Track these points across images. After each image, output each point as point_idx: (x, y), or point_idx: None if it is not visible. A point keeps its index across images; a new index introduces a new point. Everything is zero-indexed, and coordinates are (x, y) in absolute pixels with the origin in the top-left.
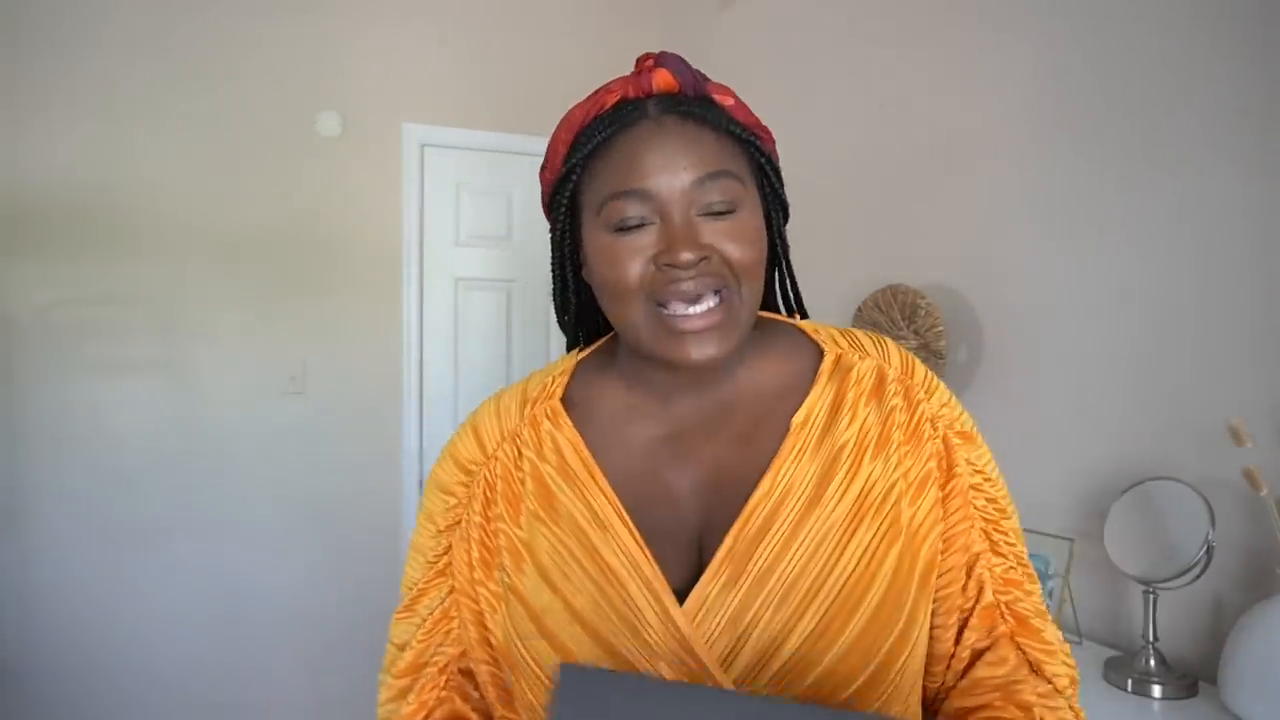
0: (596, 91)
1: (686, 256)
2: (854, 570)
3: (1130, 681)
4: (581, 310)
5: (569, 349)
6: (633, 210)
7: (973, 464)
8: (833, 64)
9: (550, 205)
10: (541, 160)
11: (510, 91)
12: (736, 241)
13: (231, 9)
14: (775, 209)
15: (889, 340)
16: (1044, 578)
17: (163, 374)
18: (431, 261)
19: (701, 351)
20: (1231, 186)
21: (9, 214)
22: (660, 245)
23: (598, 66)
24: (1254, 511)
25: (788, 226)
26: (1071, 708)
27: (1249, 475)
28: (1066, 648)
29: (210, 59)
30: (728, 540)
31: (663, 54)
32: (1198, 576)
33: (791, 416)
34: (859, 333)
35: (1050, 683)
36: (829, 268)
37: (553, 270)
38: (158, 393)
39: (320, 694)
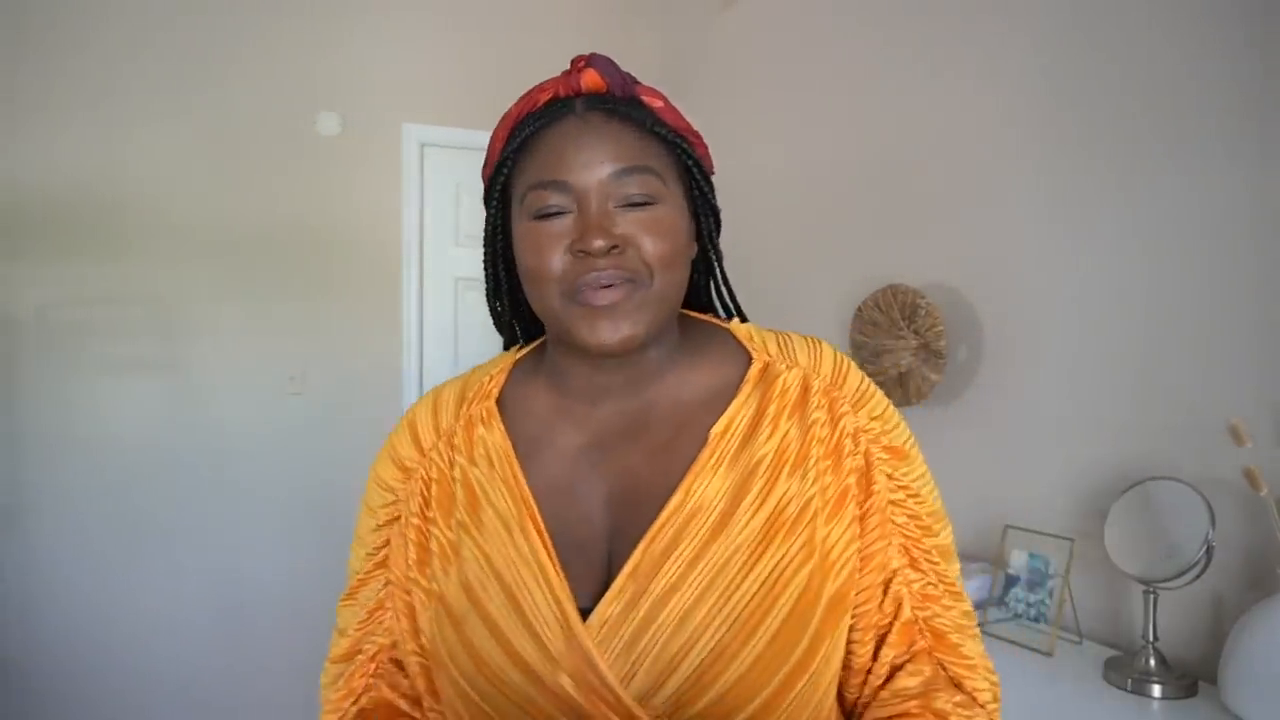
0: (531, 90)
1: (599, 244)
2: (756, 593)
3: (1130, 681)
4: (520, 307)
5: (505, 347)
6: (553, 200)
7: (895, 480)
8: (833, 64)
9: (485, 198)
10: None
11: (510, 92)
12: (651, 233)
13: (231, 9)
14: (705, 214)
15: (825, 346)
16: (1044, 578)
17: (163, 374)
18: (431, 261)
19: (615, 331)
20: (1232, 185)
21: (9, 214)
22: (576, 233)
23: None
24: (1254, 511)
25: (788, 226)
26: None
27: (1249, 475)
28: (989, 663)
29: (210, 59)
30: (633, 558)
31: (593, 55)
32: (1198, 576)
33: (712, 426)
34: (797, 338)
35: (971, 696)
36: (829, 268)
37: (484, 264)
38: (158, 392)
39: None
